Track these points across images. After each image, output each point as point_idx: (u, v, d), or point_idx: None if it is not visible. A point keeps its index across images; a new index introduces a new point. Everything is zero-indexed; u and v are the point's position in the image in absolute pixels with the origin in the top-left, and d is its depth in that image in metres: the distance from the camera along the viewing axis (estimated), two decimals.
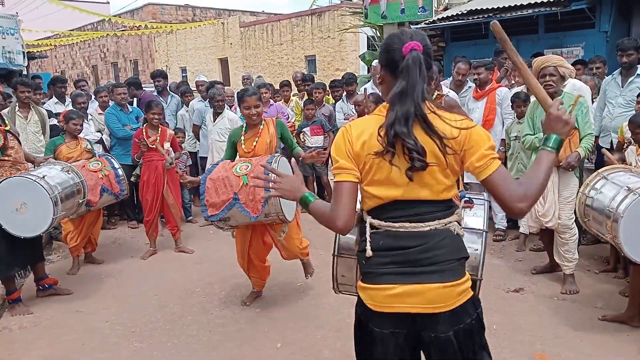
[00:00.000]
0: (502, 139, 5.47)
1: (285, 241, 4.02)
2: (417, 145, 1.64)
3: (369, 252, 1.74)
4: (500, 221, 5.58)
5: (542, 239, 4.63)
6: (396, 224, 1.73)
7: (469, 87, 5.76)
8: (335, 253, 1.87)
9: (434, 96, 4.71)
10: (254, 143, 3.91)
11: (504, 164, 5.41)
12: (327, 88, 7.37)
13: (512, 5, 7.08)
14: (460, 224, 1.78)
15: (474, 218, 2.29)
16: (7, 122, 4.15)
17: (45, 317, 4.12)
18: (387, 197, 1.74)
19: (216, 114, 6.22)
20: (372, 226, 1.77)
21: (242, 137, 3.95)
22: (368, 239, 1.76)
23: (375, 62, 7.46)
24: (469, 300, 1.73)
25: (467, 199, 2.03)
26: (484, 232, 1.80)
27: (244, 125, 3.99)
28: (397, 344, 1.75)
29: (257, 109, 3.88)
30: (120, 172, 4.98)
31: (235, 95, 7.93)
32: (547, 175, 1.68)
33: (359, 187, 1.79)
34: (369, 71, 9.17)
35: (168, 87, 7.54)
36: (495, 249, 5.28)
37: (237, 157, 3.99)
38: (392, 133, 1.65)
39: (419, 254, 1.70)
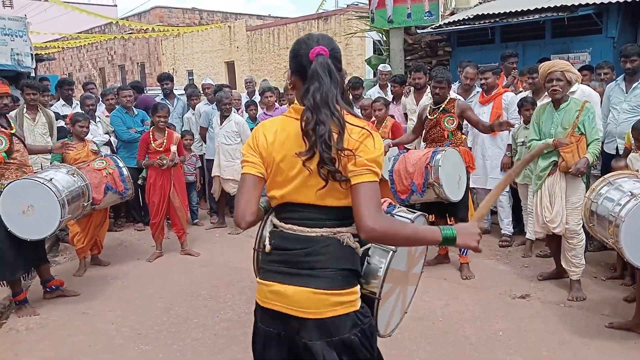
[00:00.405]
0: (508, 144, 5.45)
1: None
2: (325, 148, 1.62)
3: (267, 248, 1.79)
4: (507, 227, 5.56)
5: (548, 245, 4.61)
6: (286, 225, 1.76)
7: (477, 92, 5.76)
8: (255, 247, 1.93)
9: (447, 99, 4.70)
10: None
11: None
12: None
13: (519, 10, 7.06)
14: (355, 236, 1.73)
15: None
16: (12, 125, 4.18)
17: (52, 318, 4.14)
18: (282, 197, 1.77)
19: (223, 117, 6.24)
20: (272, 224, 1.83)
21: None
22: (267, 235, 1.82)
23: (381, 66, 7.47)
24: (351, 314, 1.69)
25: (391, 215, 2.01)
26: (391, 252, 1.79)
27: None
28: (278, 342, 1.77)
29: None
30: (124, 171, 4.98)
31: (243, 98, 7.99)
32: (412, 238, 1.68)
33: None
34: (374, 75, 9.16)
35: (184, 91, 7.60)
36: (501, 255, 5.26)
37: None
38: (314, 136, 1.63)
39: (300, 257, 1.71)
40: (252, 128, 6.93)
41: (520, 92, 5.73)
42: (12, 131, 4.08)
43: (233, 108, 6.55)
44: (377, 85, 7.27)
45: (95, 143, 5.37)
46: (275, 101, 7.33)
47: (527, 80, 5.46)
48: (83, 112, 5.70)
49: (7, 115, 4.22)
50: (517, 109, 5.27)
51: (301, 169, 1.69)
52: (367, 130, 1.68)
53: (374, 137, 1.69)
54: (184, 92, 8.22)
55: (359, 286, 1.75)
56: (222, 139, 6.20)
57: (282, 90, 8.51)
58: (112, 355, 3.54)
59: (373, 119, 6.15)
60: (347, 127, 1.65)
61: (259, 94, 7.73)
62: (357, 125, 1.68)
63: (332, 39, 1.80)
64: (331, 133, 1.63)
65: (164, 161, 5.30)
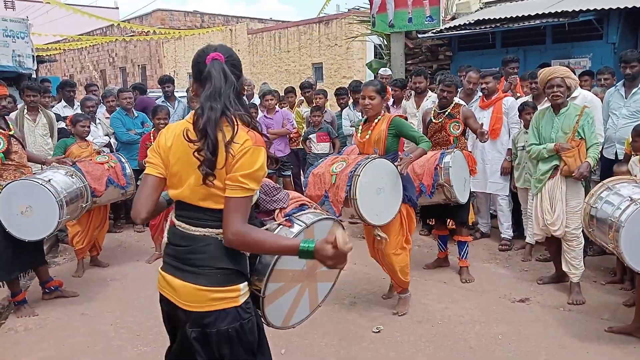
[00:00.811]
0: (508, 149, 5.46)
1: (384, 250, 3.89)
2: (206, 153, 1.74)
3: (164, 241, 1.98)
4: (506, 231, 5.57)
5: (548, 249, 4.62)
6: (178, 222, 1.91)
7: (479, 96, 5.78)
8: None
9: (453, 104, 4.69)
10: (367, 136, 3.91)
11: (511, 173, 5.41)
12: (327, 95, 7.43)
13: (520, 15, 7.09)
14: None
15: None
16: (11, 126, 4.19)
17: (51, 319, 4.13)
18: (175, 197, 1.91)
19: None
20: (172, 220, 1.97)
21: (360, 127, 4.03)
22: (167, 229, 1.98)
23: (381, 71, 7.49)
24: (232, 309, 1.83)
25: (288, 217, 2.11)
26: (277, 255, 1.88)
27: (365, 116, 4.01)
28: (172, 327, 2.04)
29: (371, 100, 3.83)
30: (127, 166, 4.98)
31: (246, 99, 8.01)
32: (271, 249, 1.79)
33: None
34: (375, 79, 9.19)
35: (186, 92, 7.62)
36: (501, 259, 5.26)
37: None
38: (204, 135, 1.74)
39: (185, 254, 1.87)
40: None
41: (519, 97, 5.75)
42: (11, 132, 4.10)
43: None
44: None
45: (96, 144, 5.37)
46: (276, 104, 7.34)
47: (528, 85, 5.48)
48: (83, 112, 5.71)
49: (6, 116, 4.22)
50: (518, 114, 5.28)
51: (192, 172, 1.82)
52: (249, 145, 1.76)
53: (254, 152, 1.76)
54: (185, 94, 8.23)
55: (243, 284, 1.88)
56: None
57: (282, 93, 8.53)
58: (111, 357, 3.54)
59: None
60: (234, 142, 1.75)
61: (259, 97, 7.74)
62: (238, 141, 1.75)
63: (230, 49, 1.93)
64: (217, 132, 1.73)
65: None
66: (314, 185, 3.73)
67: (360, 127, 4.03)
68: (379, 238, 3.78)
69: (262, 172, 1.79)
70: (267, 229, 2.00)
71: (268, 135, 6.85)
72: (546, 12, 6.80)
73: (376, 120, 3.88)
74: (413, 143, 3.94)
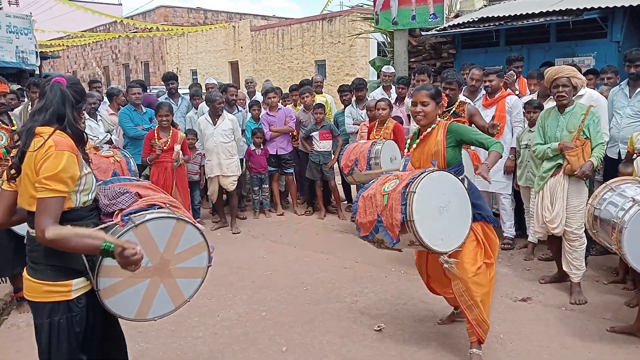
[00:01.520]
0: (512, 147, 5.44)
1: (460, 277, 3.18)
2: (15, 158, 2.06)
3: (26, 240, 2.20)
4: (509, 230, 5.56)
5: (550, 248, 4.60)
6: (28, 226, 2.15)
7: (482, 94, 5.76)
8: None
9: (457, 102, 4.68)
10: (420, 148, 3.37)
11: (514, 172, 5.40)
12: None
13: (524, 13, 7.06)
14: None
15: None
16: (14, 122, 4.18)
17: None
18: (19, 204, 2.16)
19: (216, 117, 6.23)
20: None
21: (409, 139, 3.50)
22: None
23: (384, 68, 7.47)
24: (62, 302, 2.08)
25: (126, 218, 2.22)
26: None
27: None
28: None
29: (424, 106, 3.26)
30: (131, 162, 4.97)
31: (247, 97, 7.99)
32: (78, 248, 1.97)
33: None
34: (378, 77, 9.17)
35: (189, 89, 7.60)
36: (503, 258, 5.25)
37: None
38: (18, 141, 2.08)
39: (29, 252, 2.14)
40: (256, 128, 6.97)
41: (519, 95, 5.73)
42: (14, 128, 4.09)
43: (227, 107, 6.54)
44: (381, 86, 7.26)
45: (91, 138, 5.34)
46: (278, 102, 7.33)
47: (535, 84, 5.45)
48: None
49: (9, 112, 4.22)
50: (522, 112, 5.26)
51: (23, 180, 2.06)
52: (52, 150, 1.98)
53: (57, 156, 1.98)
54: (189, 90, 8.22)
55: (77, 280, 2.10)
56: (220, 138, 6.20)
57: (285, 91, 8.52)
58: None
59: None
60: (36, 142, 2.01)
61: (262, 95, 7.72)
62: (44, 146, 1.99)
63: (77, 80, 2.27)
64: (31, 140, 2.03)
65: (175, 163, 5.34)
66: (365, 210, 3.14)
67: (408, 139, 3.51)
68: (447, 267, 3.12)
69: (67, 173, 1.98)
70: (102, 229, 2.12)
71: (270, 133, 6.92)
72: (550, 10, 6.77)
73: (429, 129, 3.33)
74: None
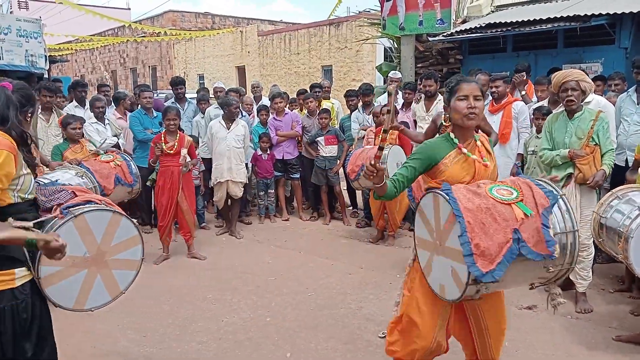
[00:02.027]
0: (518, 154, 5.43)
1: (493, 338, 2.70)
2: None
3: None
4: None
5: None
6: None
7: (489, 100, 5.76)
8: None
9: None
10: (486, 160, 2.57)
11: None
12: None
13: (531, 19, 7.05)
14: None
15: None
16: None
17: (57, 318, 4.14)
18: None
19: (230, 121, 6.24)
20: None
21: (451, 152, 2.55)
22: None
23: (391, 73, 7.48)
24: (7, 290, 2.10)
25: (65, 211, 2.43)
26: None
27: (450, 135, 2.59)
28: None
29: (477, 101, 2.52)
30: (132, 164, 4.97)
31: (254, 102, 8.01)
32: (6, 240, 1.99)
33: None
34: (385, 82, 9.17)
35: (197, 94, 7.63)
36: None
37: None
38: None
39: None
40: (263, 133, 6.99)
41: (526, 100, 5.71)
42: None
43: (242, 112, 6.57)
44: (386, 92, 7.25)
45: (92, 142, 5.36)
46: (285, 106, 7.35)
47: (542, 90, 5.43)
48: (74, 114, 5.69)
49: None
50: (528, 118, 5.24)
51: None
52: None
53: None
54: (196, 95, 8.25)
55: (20, 269, 2.15)
56: (232, 143, 6.21)
57: (292, 95, 8.54)
58: (117, 357, 3.55)
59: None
60: None
61: (269, 99, 7.74)
62: None
63: (26, 87, 2.40)
64: None
65: (184, 168, 5.37)
66: (483, 228, 2.23)
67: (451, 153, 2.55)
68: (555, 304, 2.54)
69: (2, 171, 2.03)
70: (40, 222, 2.26)
71: (277, 137, 6.93)
72: (558, 16, 6.76)
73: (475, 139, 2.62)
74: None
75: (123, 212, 2.63)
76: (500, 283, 2.23)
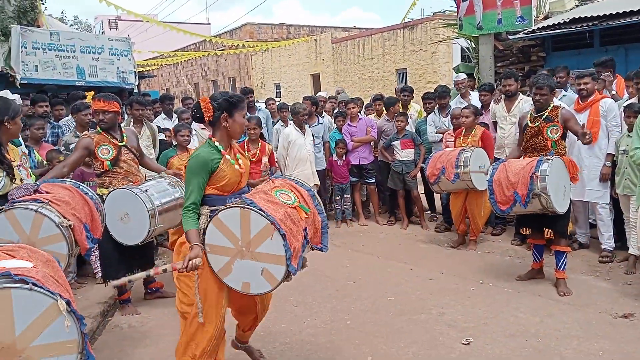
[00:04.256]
0: (608, 154, 5.13)
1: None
2: None
3: None
4: (607, 241, 5.21)
5: None
6: None
7: (564, 95, 5.52)
8: None
9: (550, 107, 4.50)
10: (240, 161, 3.07)
11: (612, 180, 5.08)
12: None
13: (620, 12, 6.65)
14: None
15: None
16: (125, 138, 4.47)
17: (151, 317, 4.42)
18: None
19: (302, 128, 6.38)
20: None
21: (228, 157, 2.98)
22: None
23: (454, 76, 7.31)
24: None
25: (7, 205, 2.95)
26: None
27: (214, 142, 2.95)
28: None
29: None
30: None
31: (337, 107, 8.13)
32: None
33: None
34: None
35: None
36: (601, 271, 4.94)
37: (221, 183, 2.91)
38: None
39: None
40: (339, 139, 7.06)
41: (616, 97, 5.39)
42: (122, 143, 4.40)
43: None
44: (458, 95, 7.10)
45: None
46: (358, 112, 7.37)
47: (633, 86, 5.12)
48: (184, 123, 6.06)
49: (123, 129, 4.54)
50: (618, 115, 4.95)
51: None
52: None
53: None
54: (264, 104, 8.46)
55: None
56: (310, 148, 6.37)
57: (367, 102, 8.57)
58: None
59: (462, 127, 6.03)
60: None
61: (344, 105, 7.80)
62: None
63: (7, 100, 2.73)
64: None
65: (264, 174, 5.58)
66: (292, 234, 2.69)
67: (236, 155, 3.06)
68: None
69: None
70: None
71: (352, 143, 6.98)
72: None
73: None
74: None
75: (51, 213, 3.09)
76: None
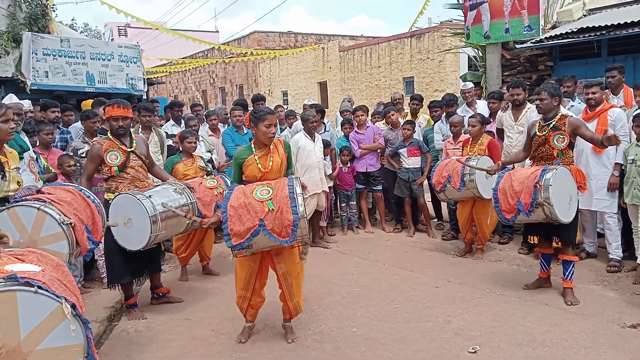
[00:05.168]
0: (616, 163, 5.11)
1: (289, 274, 3.85)
2: None
3: None
4: (615, 251, 5.19)
5: None
6: None
7: (571, 105, 5.53)
8: None
9: (558, 116, 4.50)
10: (270, 163, 3.81)
11: (620, 189, 5.06)
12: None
13: (628, 21, 6.64)
14: None
15: None
16: (134, 144, 4.49)
17: (158, 322, 4.43)
18: None
19: (311, 135, 6.41)
20: None
21: (256, 157, 3.81)
22: None
23: (461, 85, 7.30)
24: None
25: (8, 204, 2.99)
26: None
27: (252, 145, 3.88)
28: None
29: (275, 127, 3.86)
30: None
31: (337, 118, 8.15)
32: None
33: None
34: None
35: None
36: (609, 281, 4.91)
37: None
38: None
39: None
40: (344, 146, 7.08)
41: (623, 106, 5.38)
42: (130, 149, 4.43)
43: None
44: (464, 103, 7.10)
45: (202, 158, 5.70)
46: (366, 119, 7.38)
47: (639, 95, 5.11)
48: (191, 130, 6.10)
49: (133, 135, 4.57)
50: (626, 125, 4.94)
51: None
52: None
53: None
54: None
55: None
56: (320, 154, 6.39)
57: (374, 109, 8.59)
58: None
59: (465, 136, 6.03)
60: None
61: (339, 112, 7.82)
62: None
63: None
64: None
65: None
66: (240, 219, 3.51)
67: (256, 158, 3.85)
68: (303, 259, 3.91)
69: None
70: None
71: (360, 150, 6.99)
72: None
73: (271, 147, 3.85)
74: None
75: (52, 211, 3.12)
76: (252, 247, 3.54)
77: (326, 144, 6.79)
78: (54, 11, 10.54)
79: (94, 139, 4.94)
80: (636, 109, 5.22)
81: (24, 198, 3.20)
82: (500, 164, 4.99)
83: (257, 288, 3.92)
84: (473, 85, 7.24)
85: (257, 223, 3.45)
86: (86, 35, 29.63)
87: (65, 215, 3.18)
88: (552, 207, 4.11)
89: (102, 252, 4.73)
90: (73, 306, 2.08)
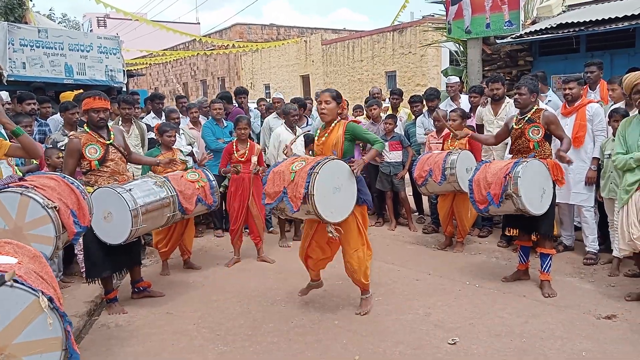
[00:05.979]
0: (593, 157, 5.20)
1: (344, 250, 4.20)
2: None
3: None
4: (591, 244, 5.29)
5: (637, 264, 4.35)
6: None
7: (549, 100, 5.60)
8: None
9: (534, 109, 4.58)
10: (322, 139, 4.20)
11: (597, 183, 5.16)
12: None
13: (606, 17, 6.75)
14: None
15: None
16: (112, 136, 4.45)
17: (138, 317, 4.41)
18: None
19: (292, 128, 6.39)
20: None
21: (318, 131, 4.32)
22: None
23: (446, 79, 7.36)
24: None
25: None
26: None
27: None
28: None
29: (327, 104, 4.14)
30: (214, 184, 5.16)
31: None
32: None
33: None
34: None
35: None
36: (585, 273, 5.01)
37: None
38: None
39: None
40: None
41: (601, 103, 5.48)
42: (109, 142, 4.38)
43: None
44: (449, 97, 7.16)
45: (182, 151, 5.66)
46: (347, 113, 7.38)
47: (614, 89, 5.20)
48: (170, 123, 6.05)
49: (110, 127, 4.52)
50: (604, 120, 5.03)
51: None
52: None
53: None
54: (256, 104, 8.49)
55: None
56: (301, 148, 6.36)
57: (359, 103, 8.59)
58: (193, 355, 3.71)
59: (447, 131, 6.09)
60: None
61: (316, 100, 7.80)
62: None
63: None
64: None
65: (239, 168, 5.55)
66: (273, 182, 3.96)
67: (318, 132, 4.32)
68: (331, 235, 3.97)
69: None
70: None
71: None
72: (636, 14, 6.43)
73: (332, 125, 4.15)
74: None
75: (36, 196, 3.08)
76: (287, 211, 3.90)
77: (311, 139, 6.78)
78: (30, 1, 10.33)
79: (71, 132, 4.86)
80: (612, 104, 5.32)
81: (6, 186, 3.14)
82: (469, 133, 5.35)
83: (310, 251, 4.35)
84: (458, 80, 7.30)
85: (281, 189, 3.86)
86: (64, 26, 29.08)
87: (49, 200, 3.15)
88: (520, 199, 4.20)
89: (82, 246, 4.67)
90: (50, 299, 2.06)
